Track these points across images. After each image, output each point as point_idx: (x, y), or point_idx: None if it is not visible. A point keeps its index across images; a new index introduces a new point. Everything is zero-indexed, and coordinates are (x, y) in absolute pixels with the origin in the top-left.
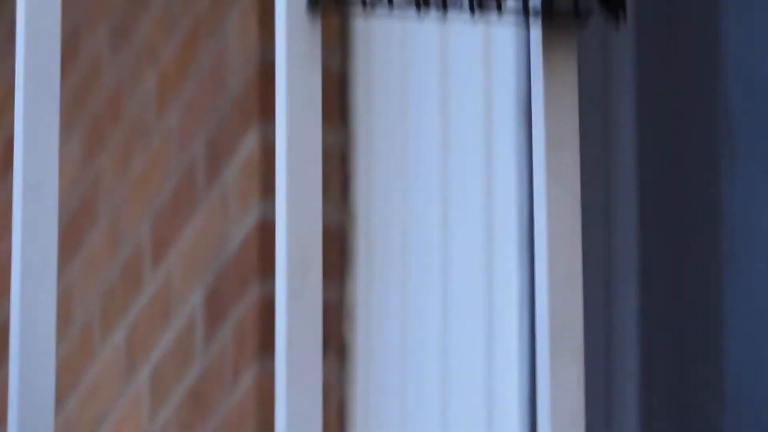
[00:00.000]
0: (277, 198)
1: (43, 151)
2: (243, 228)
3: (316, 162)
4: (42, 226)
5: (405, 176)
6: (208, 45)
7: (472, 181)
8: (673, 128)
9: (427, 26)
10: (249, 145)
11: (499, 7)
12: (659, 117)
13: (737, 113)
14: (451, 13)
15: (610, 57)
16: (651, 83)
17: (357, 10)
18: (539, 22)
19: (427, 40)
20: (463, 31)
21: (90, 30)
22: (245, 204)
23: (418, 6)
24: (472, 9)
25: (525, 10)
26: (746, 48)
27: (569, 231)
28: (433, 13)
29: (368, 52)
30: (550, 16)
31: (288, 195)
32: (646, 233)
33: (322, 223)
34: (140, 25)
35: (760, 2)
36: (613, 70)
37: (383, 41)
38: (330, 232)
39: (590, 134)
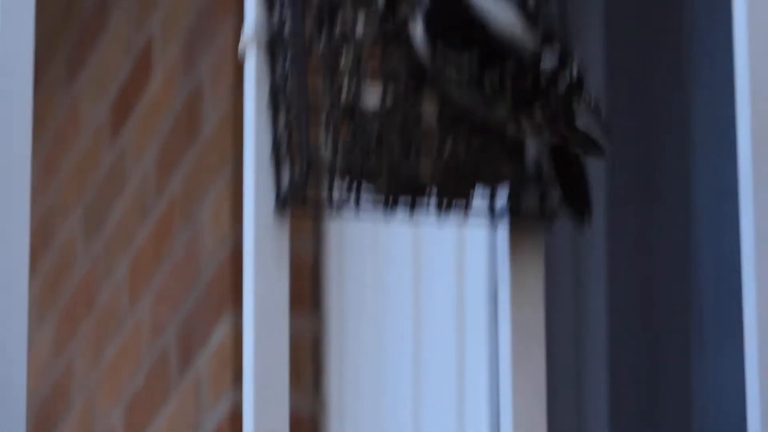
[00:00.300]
0: (245, 390)
1: (13, 343)
2: (216, 416)
3: (282, 355)
4: (10, 418)
5: (378, 364)
6: (181, 231)
7: (445, 373)
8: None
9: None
10: (222, 331)
11: (466, 211)
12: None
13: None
14: (419, 215)
15: None
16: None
17: (324, 211)
18: (506, 221)
19: (401, 227)
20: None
21: (63, 215)
22: (218, 392)
23: (385, 207)
24: (439, 210)
25: (491, 210)
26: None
27: (534, 424)
28: (401, 215)
29: (341, 240)
30: (516, 215)
31: (255, 386)
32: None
33: (295, 412)
34: (114, 210)
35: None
36: None
37: (356, 228)
38: (302, 421)
39: None
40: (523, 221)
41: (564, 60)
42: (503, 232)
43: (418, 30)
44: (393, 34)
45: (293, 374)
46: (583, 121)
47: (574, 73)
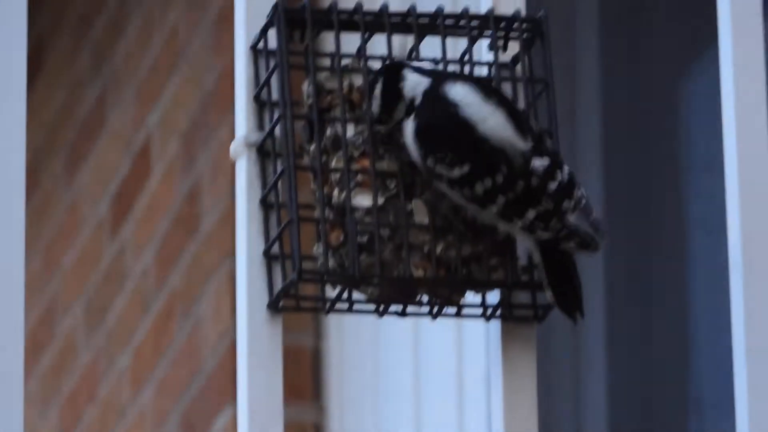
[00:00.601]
0: None
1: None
2: None
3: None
4: None
5: None
6: (182, 324)
7: None
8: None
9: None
10: (224, 420)
11: (458, 312)
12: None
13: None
14: (411, 314)
15: None
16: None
17: (317, 308)
18: (499, 318)
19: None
20: None
21: (65, 308)
22: None
23: (377, 308)
24: (431, 312)
25: (484, 311)
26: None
27: None
28: (395, 314)
29: (341, 329)
30: (509, 312)
31: None
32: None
33: None
34: (115, 304)
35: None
36: None
37: (356, 317)
38: None
39: None
40: (516, 317)
41: (555, 160)
42: (496, 330)
43: (409, 137)
44: (385, 136)
45: None
46: (574, 218)
47: (565, 172)
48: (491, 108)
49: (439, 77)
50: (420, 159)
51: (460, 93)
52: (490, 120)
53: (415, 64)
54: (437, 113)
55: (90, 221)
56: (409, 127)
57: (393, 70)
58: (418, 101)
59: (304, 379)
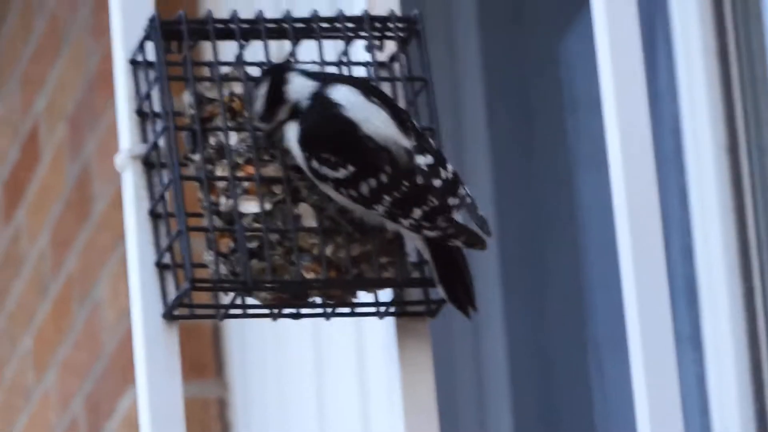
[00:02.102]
0: None
1: None
2: None
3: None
4: None
5: (283, 424)
6: (81, 306)
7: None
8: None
9: None
10: (129, 400)
11: (352, 311)
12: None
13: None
14: (305, 314)
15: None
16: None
17: (213, 315)
18: (393, 315)
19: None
20: None
21: None
22: None
23: (271, 312)
24: (325, 313)
25: (377, 306)
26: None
27: None
28: (287, 314)
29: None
30: (402, 308)
31: None
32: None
33: None
34: (13, 289)
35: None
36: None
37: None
38: None
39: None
40: (409, 312)
41: (438, 157)
42: (390, 326)
43: (293, 141)
44: (268, 141)
45: None
46: (460, 216)
47: (449, 170)
48: (374, 108)
49: (326, 80)
50: (304, 162)
51: (342, 94)
52: (373, 119)
53: (304, 66)
54: (320, 116)
55: None
56: (293, 130)
57: (279, 71)
58: (304, 105)
59: (206, 356)
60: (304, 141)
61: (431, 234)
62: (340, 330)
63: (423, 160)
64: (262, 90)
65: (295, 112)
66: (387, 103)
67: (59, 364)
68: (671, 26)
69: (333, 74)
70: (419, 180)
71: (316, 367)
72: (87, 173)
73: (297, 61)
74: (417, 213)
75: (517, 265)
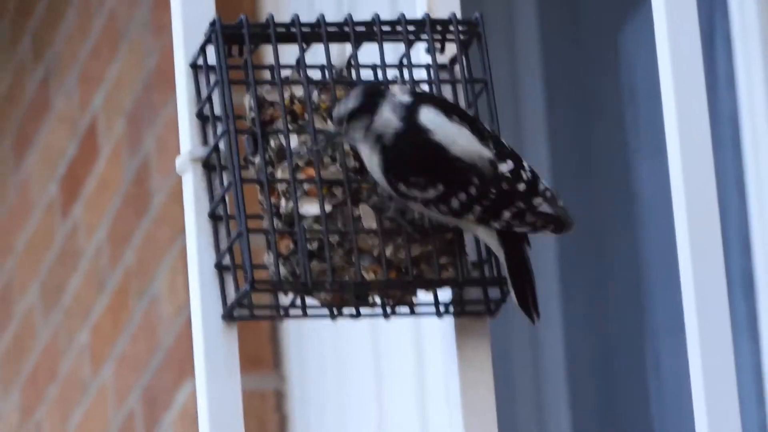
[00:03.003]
0: None
1: None
2: None
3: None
4: None
5: (341, 417)
6: (138, 301)
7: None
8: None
9: None
10: (185, 393)
11: (411, 311)
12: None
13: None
14: (365, 315)
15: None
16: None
17: (272, 315)
18: (452, 314)
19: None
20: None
21: (21, 289)
22: None
23: (332, 313)
24: (385, 313)
25: (436, 306)
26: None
27: None
28: (347, 314)
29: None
30: (461, 308)
31: None
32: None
33: None
34: (70, 283)
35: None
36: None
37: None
38: None
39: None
40: (469, 312)
41: (516, 160)
42: (449, 326)
43: (375, 169)
44: (329, 144)
45: (259, 429)
46: (544, 208)
47: (528, 170)
48: (457, 126)
49: (410, 111)
50: (388, 185)
51: (428, 118)
52: (459, 140)
53: (398, 95)
54: (410, 142)
55: (40, 203)
56: (375, 159)
57: (374, 96)
58: (386, 140)
59: (264, 349)
60: (392, 167)
61: (522, 229)
62: (399, 327)
63: (505, 167)
64: (350, 103)
65: (377, 142)
66: (465, 118)
67: (116, 358)
68: (730, 17)
69: (415, 95)
70: (505, 186)
71: (375, 363)
72: (145, 168)
73: (358, 65)
74: (506, 215)
75: (575, 261)
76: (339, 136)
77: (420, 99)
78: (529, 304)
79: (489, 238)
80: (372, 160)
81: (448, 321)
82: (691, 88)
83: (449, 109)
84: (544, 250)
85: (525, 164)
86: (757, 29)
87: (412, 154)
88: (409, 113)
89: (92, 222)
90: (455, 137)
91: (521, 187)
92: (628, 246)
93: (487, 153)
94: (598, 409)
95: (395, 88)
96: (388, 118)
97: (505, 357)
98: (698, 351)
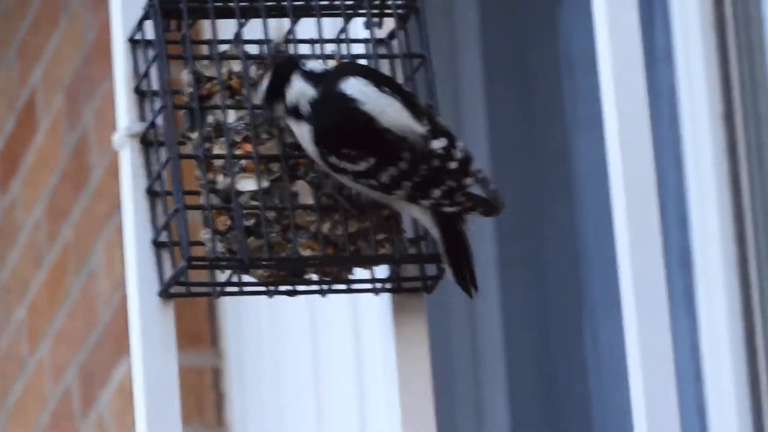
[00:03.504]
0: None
1: None
2: None
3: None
4: None
5: (279, 394)
6: (76, 276)
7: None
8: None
9: None
10: (123, 369)
11: (348, 288)
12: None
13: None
14: (302, 292)
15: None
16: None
17: (209, 293)
18: (389, 291)
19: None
20: None
21: None
22: (122, 428)
23: (268, 290)
24: (321, 290)
25: (373, 283)
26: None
27: None
28: (284, 291)
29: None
30: (398, 285)
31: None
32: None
33: None
34: (8, 258)
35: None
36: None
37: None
38: None
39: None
40: (405, 289)
41: (450, 138)
42: (386, 303)
43: (305, 140)
44: (267, 121)
45: (196, 406)
46: (475, 190)
47: (460, 148)
48: (387, 98)
49: (329, 79)
50: (320, 157)
51: (356, 88)
52: (388, 110)
53: (309, 66)
54: (337, 112)
55: None
56: (304, 128)
57: (283, 70)
58: (304, 110)
59: (202, 325)
60: (322, 138)
61: (451, 210)
62: (336, 303)
63: (438, 144)
64: (264, 84)
65: (296, 113)
66: (397, 91)
67: (54, 333)
68: None
69: (342, 65)
70: (436, 163)
71: (312, 339)
72: (84, 143)
73: (296, 40)
74: (436, 193)
75: (513, 236)
76: (269, 118)
77: (348, 69)
78: (466, 280)
79: (423, 216)
80: (302, 134)
81: (385, 297)
82: (629, 62)
83: (380, 81)
84: (482, 224)
85: (458, 143)
86: (695, 3)
87: (341, 123)
88: (327, 82)
89: (30, 197)
90: (385, 108)
91: (452, 165)
92: (566, 220)
93: (419, 128)
94: (536, 384)
95: (310, 62)
96: (299, 87)
97: (443, 332)
98: (635, 327)
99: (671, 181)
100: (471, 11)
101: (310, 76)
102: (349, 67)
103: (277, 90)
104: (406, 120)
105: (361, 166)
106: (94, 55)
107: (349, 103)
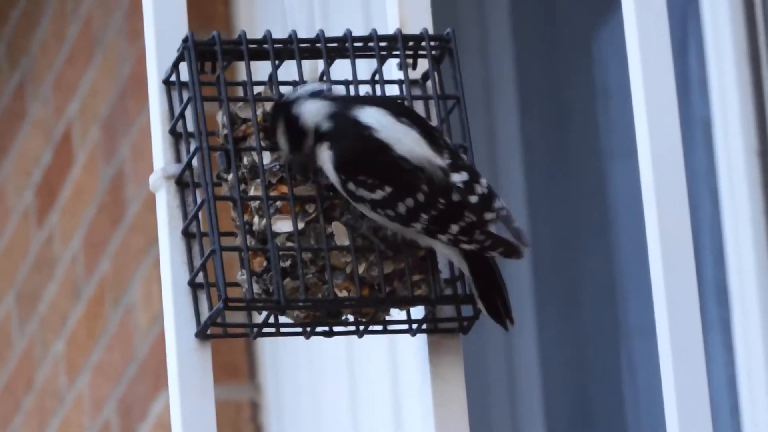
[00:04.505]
0: None
1: None
2: None
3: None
4: None
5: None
6: (113, 310)
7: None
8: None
9: None
10: (161, 403)
11: (385, 328)
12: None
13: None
14: (338, 332)
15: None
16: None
17: (246, 334)
18: (425, 332)
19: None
20: None
21: None
22: None
23: (305, 331)
24: (358, 330)
25: (409, 323)
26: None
27: None
28: (320, 332)
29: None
30: (434, 325)
31: None
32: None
33: None
34: (46, 291)
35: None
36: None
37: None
38: None
39: None
40: (442, 329)
41: (472, 173)
42: (422, 343)
43: (327, 165)
44: (301, 161)
45: None
46: (496, 228)
47: (483, 185)
48: (404, 128)
49: (340, 100)
50: (340, 184)
51: (372, 116)
52: (405, 140)
53: (302, 91)
54: (353, 139)
55: (16, 211)
56: (326, 155)
57: (285, 112)
58: (324, 127)
59: (240, 359)
60: (340, 165)
61: (469, 247)
62: (374, 342)
63: (458, 178)
64: (280, 132)
65: (320, 135)
66: (417, 122)
67: (92, 367)
68: (702, 23)
69: (354, 96)
70: (455, 197)
71: (350, 374)
72: (120, 176)
73: (330, 81)
74: (454, 229)
75: (549, 271)
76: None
77: (365, 99)
78: (500, 313)
79: (450, 251)
80: (325, 162)
81: (422, 338)
82: (662, 93)
83: (399, 113)
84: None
85: (482, 180)
86: (729, 34)
87: (357, 149)
88: (343, 104)
89: (68, 230)
90: (401, 137)
91: (473, 199)
92: (601, 249)
93: (438, 160)
94: (574, 423)
95: (298, 90)
96: (309, 108)
97: (480, 363)
98: (670, 360)
99: (706, 213)
100: (506, 47)
101: (314, 94)
102: (367, 98)
103: (294, 131)
104: (424, 151)
105: (378, 194)
106: (130, 88)
107: (363, 130)
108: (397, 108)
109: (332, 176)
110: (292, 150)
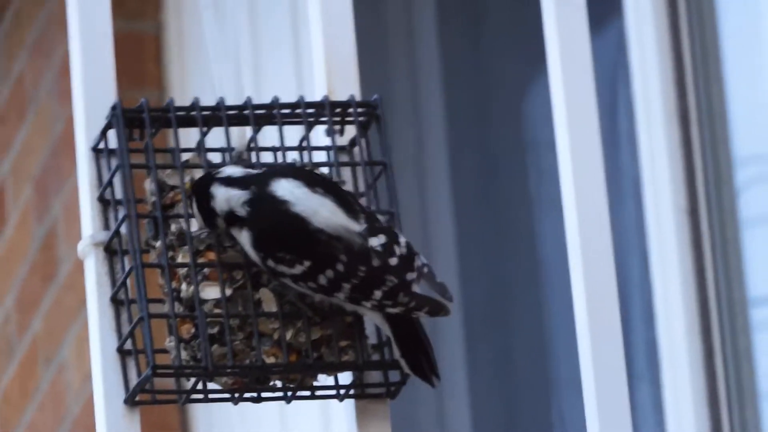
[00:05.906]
0: None
1: None
2: None
3: None
4: None
5: None
6: (46, 369)
7: None
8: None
9: None
10: None
11: (312, 394)
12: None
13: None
14: (266, 398)
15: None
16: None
17: (175, 400)
18: (353, 396)
19: None
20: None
21: None
22: None
23: (233, 397)
24: (286, 396)
25: (336, 389)
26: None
27: None
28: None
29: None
30: (362, 390)
31: None
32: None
33: None
34: None
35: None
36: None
37: None
38: None
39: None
40: (369, 395)
41: (390, 235)
42: (350, 408)
43: (247, 245)
44: (219, 237)
45: None
46: (420, 288)
47: (402, 245)
48: (319, 198)
49: (258, 180)
50: (260, 262)
51: (287, 189)
52: (321, 210)
53: (227, 172)
54: (270, 216)
55: None
56: (243, 235)
57: (202, 188)
58: (241, 212)
59: (171, 416)
60: (258, 243)
61: (394, 310)
62: (305, 408)
63: (376, 241)
64: (194, 209)
65: (234, 219)
66: (331, 190)
67: (25, 426)
68: (633, 86)
69: (271, 167)
70: (375, 262)
71: None
72: (53, 235)
73: (258, 148)
74: (377, 294)
75: (481, 328)
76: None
77: (278, 171)
78: (424, 370)
79: (373, 314)
80: (244, 241)
81: (350, 403)
82: (587, 150)
83: (312, 182)
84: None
85: (401, 240)
86: (659, 93)
87: (274, 226)
88: (258, 183)
89: (0, 289)
90: (317, 208)
91: (393, 261)
92: (532, 303)
93: (355, 226)
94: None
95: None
96: (222, 194)
97: (413, 427)
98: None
99: (636, 271)
100: (437, 112)
101: (231, 181)
102: (279, 168)
103: (206, 208)
104: (341, 219)
105: (298, 269)
106: (62, 147)
107: (280, 205)
108: (310, 177)
109: (251, 254)
110: (207, 225)
